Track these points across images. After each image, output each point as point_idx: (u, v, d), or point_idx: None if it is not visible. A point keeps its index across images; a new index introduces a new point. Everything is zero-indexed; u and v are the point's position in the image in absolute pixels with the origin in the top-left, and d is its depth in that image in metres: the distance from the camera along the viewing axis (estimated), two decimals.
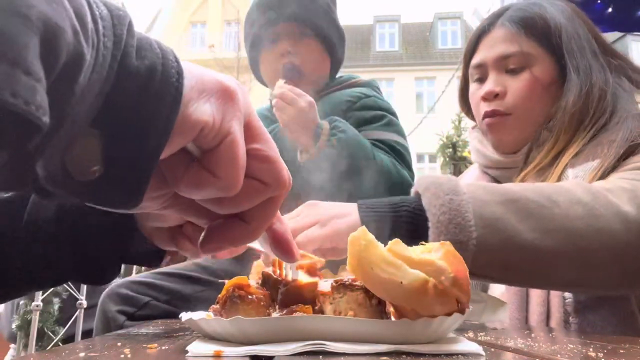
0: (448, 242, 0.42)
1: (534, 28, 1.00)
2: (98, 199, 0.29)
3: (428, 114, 15.32)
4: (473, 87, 1.10)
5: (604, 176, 0.79)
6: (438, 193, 0.65)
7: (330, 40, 1.45)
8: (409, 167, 1.35)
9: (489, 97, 1.03)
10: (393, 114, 1.43)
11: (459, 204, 0.63)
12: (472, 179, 1.14)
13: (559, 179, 0.86)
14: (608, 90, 0.94)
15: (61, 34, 0.22)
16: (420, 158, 16.32)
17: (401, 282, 0.38)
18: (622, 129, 0.86)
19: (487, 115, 1.03)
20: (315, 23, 1.41)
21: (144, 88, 0.27)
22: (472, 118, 1.14)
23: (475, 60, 1.08)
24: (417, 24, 20.53)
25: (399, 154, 1.33)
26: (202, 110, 0.30)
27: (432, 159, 15.91)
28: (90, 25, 0.24)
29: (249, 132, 0.34)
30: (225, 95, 0.32)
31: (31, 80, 0.21)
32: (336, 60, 1.50)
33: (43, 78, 0.22)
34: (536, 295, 0.85)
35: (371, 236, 0.40)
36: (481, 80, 1.07)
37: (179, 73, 0.29)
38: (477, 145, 1.11)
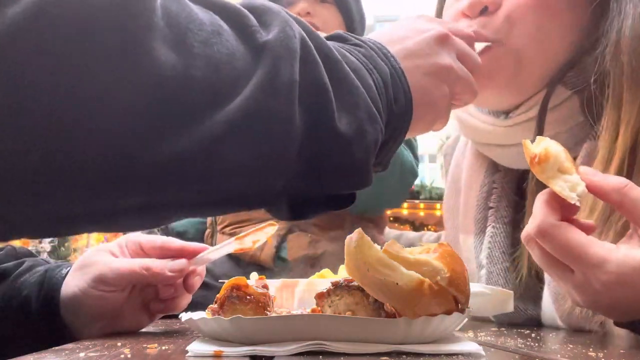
0: (446, 243, 0.42)
1: None
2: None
3: None
4: None
5: None
6: None
7: (350, 14, 1.44)
8: (416, 156, 1.43)
9: (473, 12, 0.65)
10: None
11: None
12: (460, 158, 0.82)
13: None
14: None
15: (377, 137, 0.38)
16: (420, 158, 16.23)
17: (397, 283, 0.38)
18: None
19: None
20: None
21: (399, 122, 0.41)
22: None
23: None
24: None
25: (410, 145, 1.38)
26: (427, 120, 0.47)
27: (432, 159, 15.84)
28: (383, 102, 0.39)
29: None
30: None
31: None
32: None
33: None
34: None
35: (367, 238, 0.40)
36: None
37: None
38: (457, 111, 0.74)
